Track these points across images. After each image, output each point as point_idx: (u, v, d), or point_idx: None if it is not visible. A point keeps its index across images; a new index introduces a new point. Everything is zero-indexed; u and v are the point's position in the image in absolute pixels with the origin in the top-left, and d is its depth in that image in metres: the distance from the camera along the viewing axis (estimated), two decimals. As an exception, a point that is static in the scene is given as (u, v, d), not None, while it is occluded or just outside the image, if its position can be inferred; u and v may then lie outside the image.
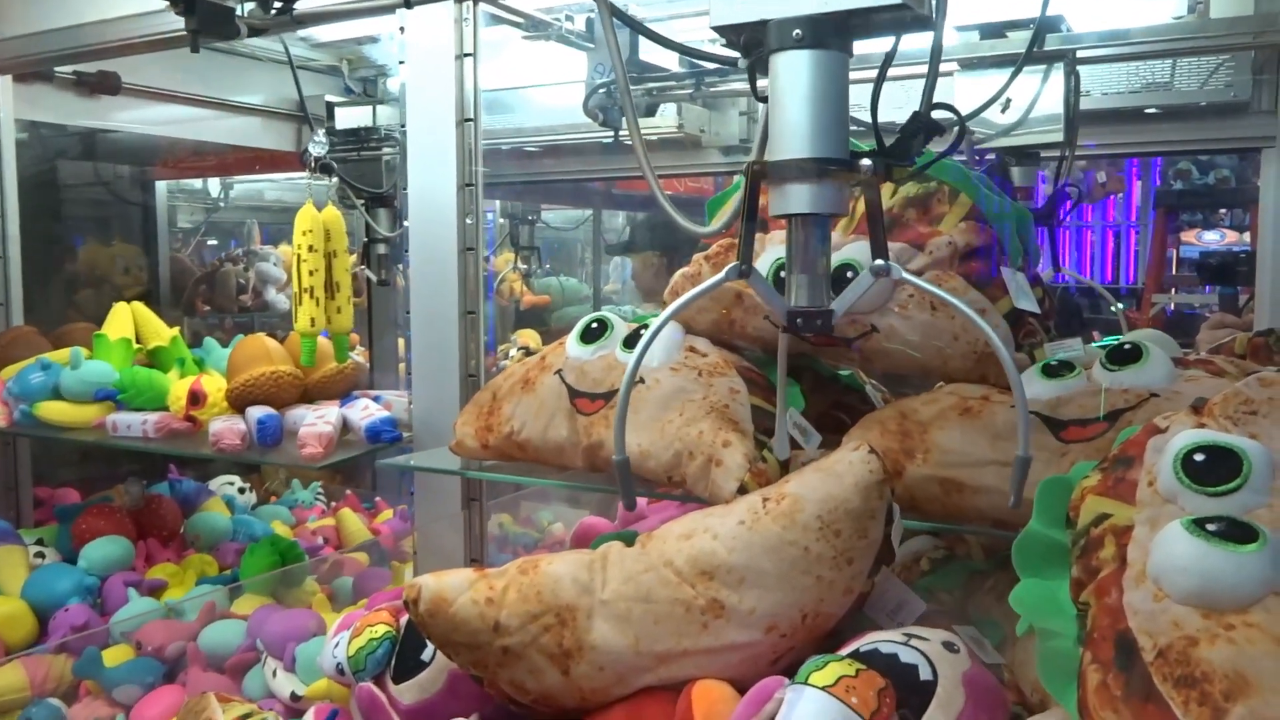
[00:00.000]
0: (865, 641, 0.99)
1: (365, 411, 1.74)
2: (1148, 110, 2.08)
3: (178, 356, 1.97)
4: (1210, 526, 0.75)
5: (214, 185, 4.49)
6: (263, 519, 2.45)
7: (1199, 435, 0.83)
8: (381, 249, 2.85)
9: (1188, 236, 6.18)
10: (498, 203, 4.55)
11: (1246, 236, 5.74)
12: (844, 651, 0.99)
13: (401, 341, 3.15)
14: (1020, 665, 1.12)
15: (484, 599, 1.06)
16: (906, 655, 0.95)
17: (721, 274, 0.93)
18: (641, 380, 1.30)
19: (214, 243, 4.54)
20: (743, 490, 1.16)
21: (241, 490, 2.70)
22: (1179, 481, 0.81)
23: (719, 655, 1.04)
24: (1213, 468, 0.80)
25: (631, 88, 1.64)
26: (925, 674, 0.93)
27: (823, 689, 0.88)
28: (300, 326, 1.78)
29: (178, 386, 1.84)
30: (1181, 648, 0.72)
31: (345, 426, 1.76)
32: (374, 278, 2.87)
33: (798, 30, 0.85)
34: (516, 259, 4.62)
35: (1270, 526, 0.75)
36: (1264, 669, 0.68)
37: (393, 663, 1.27)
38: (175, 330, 2.09)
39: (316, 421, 1.67)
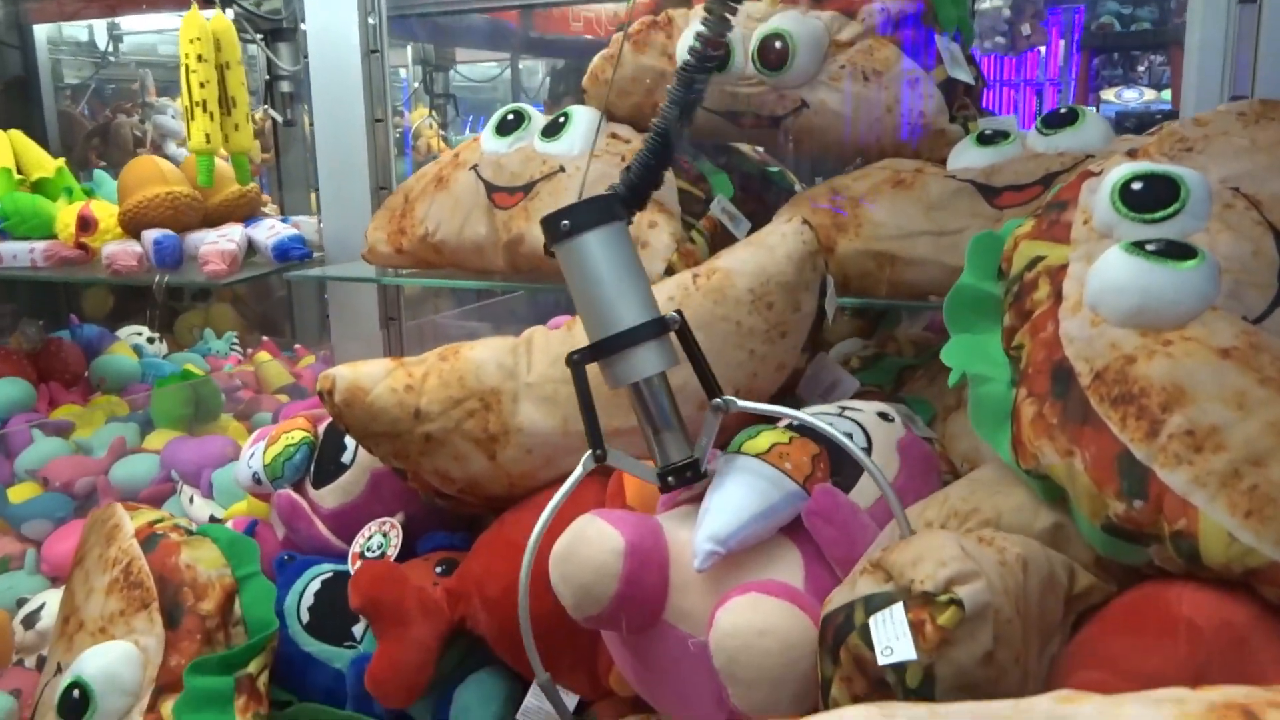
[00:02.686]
0: (799, 414, 0.97)
1: (272, 230, 1.64)
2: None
3: (64, 186, 1.83)
4: (1150, 246, 0.73)
5: (101, 37, 4.18)
6: (173, 365, 2.34)
7: (1137, 165, 0.81)
8: (285, 86, 2.68)
9: (1107, 95, 6.20)
10: (409, 49, 4.32)
11: (1165, 94, 5.78)
12: (780, 425, 0.98)
13: (314, 196, 3.00)
14: (951, 439, 1.12)
15: (403, 386, 1.02)
16: (841, 425, 0.94)
17: (578, 472, 0.85)
18: (561, 169, 1.23)
19: (105, 99, 4.26)
20: (670, 271, 1.12)
21: (151, 340, 2.57)
22: (1116, 211, 0.78)
23: (650, 432, 1.02)
24: (1149, 195, 0.78)
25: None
26: (860, 441, 0.92)
27: (755, 456, 0.86)
28: (194, 144, 1.65)
29: (66, 213, 1.71)
30: (1119, 367, 0.70)
31: (251, 248, 1.66)
32: (279, 118, 2.71)
33: (565, 221, 0.83)
34: (431, 111, 4.42)
35: (1208, 248, 0.74)
36: (1200, 379, 0.67)
37: (312, 469, 1.23)
38: (60, 160, 1.94)
39: (219, 240, 1.57)
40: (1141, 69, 6.12)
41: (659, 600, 0.83)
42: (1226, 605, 0.63)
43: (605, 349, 0.82)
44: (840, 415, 0.97)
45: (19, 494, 1.61)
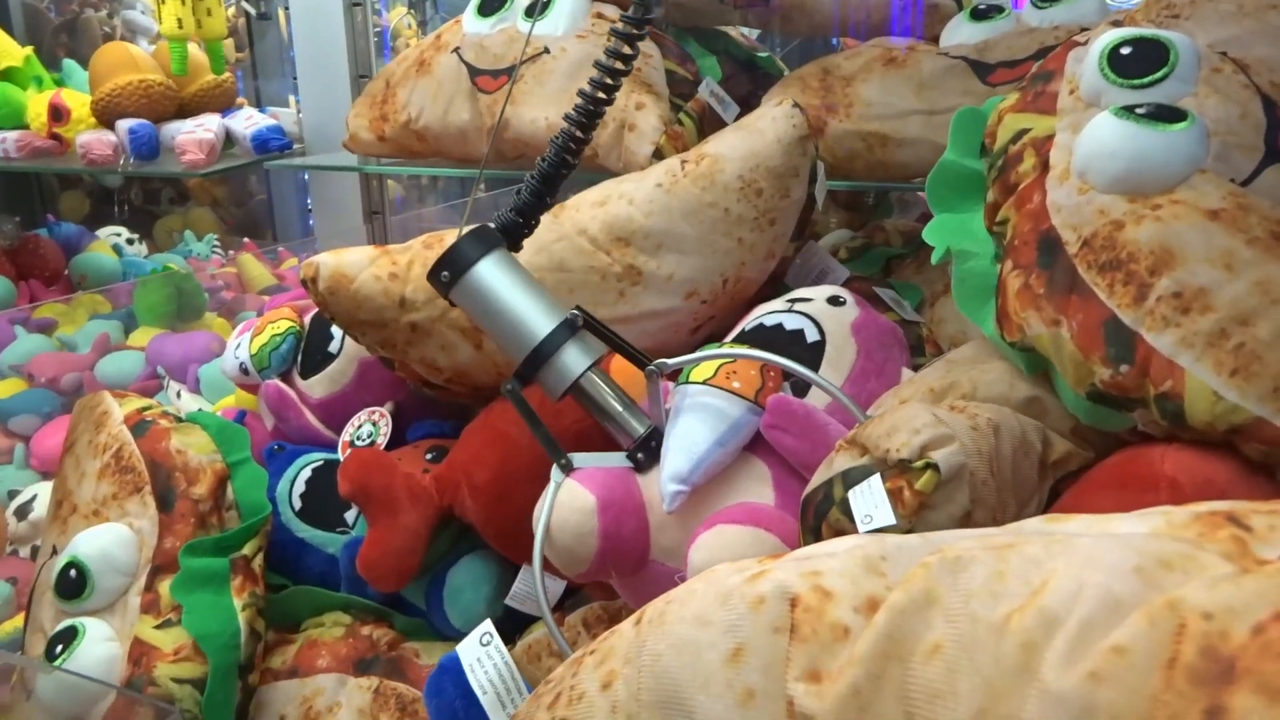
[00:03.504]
0: (750, 319, 0.96)
1: (250, 121, 1.60)
2: None
3: (33, 75, 1.77)
4: (1139, 109, 0.72)
5: (63, -74, 4.01)
6: (155, 265, 2.31)
7: (1124, 31, 0.79)
8: (260, -23, 2.60)
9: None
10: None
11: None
12: (731, 334, 0.97)
13: (291, 98, 2.93)
14: (938, 323, 1.12)
15: (387, 274, 1.01)
16: (791, 322, 0.92)
17: (550, 489, 0.84)
18: (546, 50, 1.20)
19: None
20: (659, 155, 1.10)
21: (130, 241, 2.54)
22: (1104, 77, 0.77)
23: (637, 323, 1.01)
24: (1138, 59, 0.76)
25: None
26: (812, 335, 0.91)
27: (703, 383, 0.84)
28: (166, 29, 1.60)
29: (36, 102, 1.67)
30: (1107, 233, 0.70)
31: (229, 140, 1.62)
32: (252, 10, 2.63)
33: (444, 273, 0.85)
34: (410, 10, 4.29)
35: (1197, 111, 0.73)
36: (1189, 241, 0.67)
37: (299, 359, 1.23)
38: (28, 49, 1.87)
39: (195, 129, 1.53)
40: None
41: (642, 546, 0.83)
42: (1208, 463, 0.64)
43: (531, 368, 0.85)
44: (790, 310, 0.95)
45: (4, 389, 1.61)
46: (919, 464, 0.64)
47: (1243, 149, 0.70)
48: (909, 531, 0.64)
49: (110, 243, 2.37)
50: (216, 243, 2.72)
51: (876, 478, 0.65)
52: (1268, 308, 0.62)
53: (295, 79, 1.54)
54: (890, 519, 0.65)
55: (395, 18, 4.34)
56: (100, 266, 2.11)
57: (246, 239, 2.71)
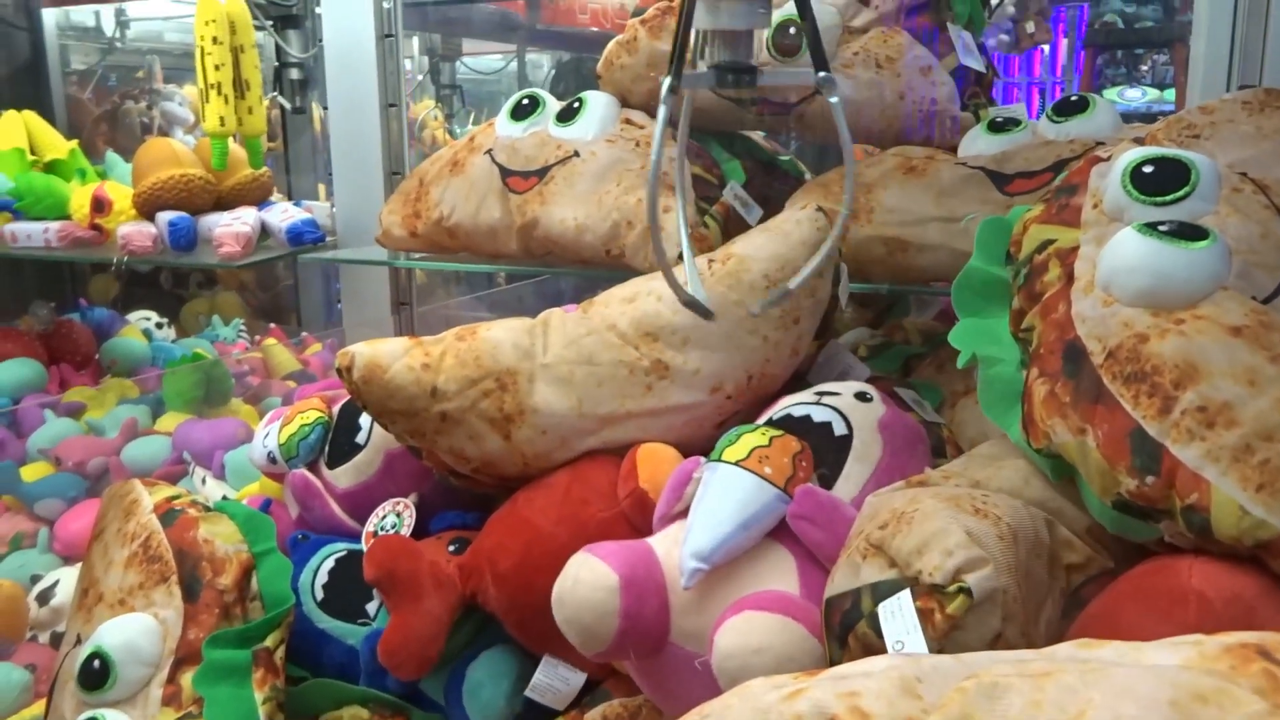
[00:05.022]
0: (778, 408, 0.98)
1: (285, 214, 1.65)
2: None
3: (78, 168, 1.84)
4: (1162, 227, 0.74)
5: (108, 23, 4.19)
6: (183, 350, 2.35)
7: (1147, 150, 0.82)
8: (295, 74, 2.69)
9: (1110, 94, 6.20)
10: (415, 40, 4.33)
11: (1169, 94, 5.78)
12: (760, 420, 0.98)
13: (322, 188, 3.01)
14: (959, 425, 1.13)
15: (420, 365, 1.03)
16: (820, 414, 0.94)
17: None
18: (576, 154, 1.25)
19: (113, 85, 4.27)
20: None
21: (159, 325, 2.58)
22: (1127, 194, 0.79)
23: (663, 417, 1.03)
24: (1160, 178, 0.79)
25: None
26: (840, 429, 0.92)
27: (736, 464, 0.86)
28: (209, 126, 1.66)
29: (80, 194, 1.72)
30: (1132, 345, 0.72)
31: (264, 231, 1.67)
32: (288, 105, 2.72)
33: None
34: (437, 104, 4.43)
35: (1218, 229, 0.75)
36: (1213, 356, 0.68)
37: (326, 449, 1.24)
38: (74, 142, 1.95)
39: (233, 222, 1.58)
40: (1145, 68, 6.14)
41: (662, 627, 0.84)
42: (1236, 578, 0.64)
43: None
44: (818, 404, 0.96)
45: (32, 473, 1.62)
46: (952, 588, 0.64)
47: (1264, 268, 0.72)
48: (939, 651, 0.64)
49: (140, 327, 2.42)
50: (243, 327, 2.77)
51: (907, 596, 0.65)
52: (1292, 424, 0.63)
53: (329, 173, 1.59)
54: (921, 645, 0.65)
55: (422, 110, 4.48)
56: (130, 351, 2.15)
57: (272, 324, 2.75)
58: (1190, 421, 0.66)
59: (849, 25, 1.18)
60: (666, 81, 0.86)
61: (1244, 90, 0.90)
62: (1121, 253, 0.75)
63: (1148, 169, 0.79)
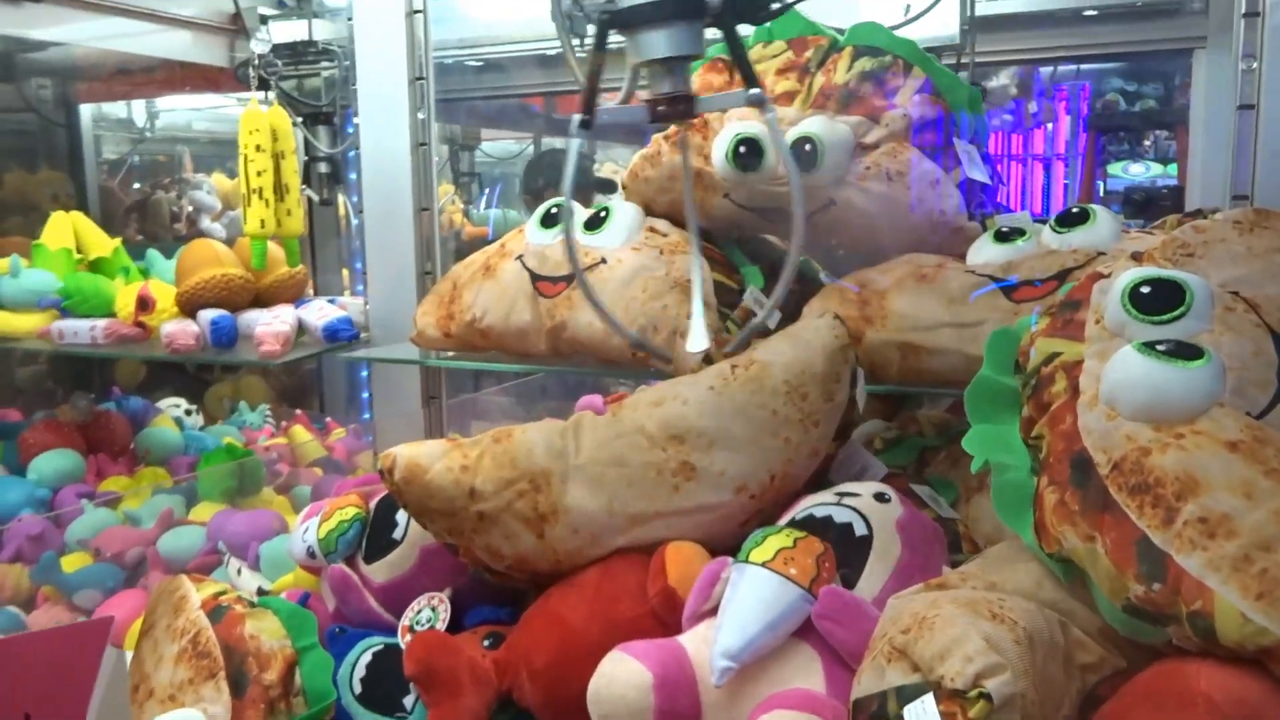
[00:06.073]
0: (800, 508, 1.03)
1: (321, 312, 1.72)
2: (1086, 12, 2.12)
3: (121, 266, 1.92)
4: (1160, 346, 0.80)
5: (140, 115, 4.34)
6: (213, 438, 2.42)
7: (1144, 270, 0.88)
8: (323, 168, 2.80)
9: (1114, 169, 6.33)
10: (435, 127, 4.46)
11: (1172, 168, 5.90)
12: (782, 520, 1.03)
13: (346, 272, 3.10)
14: (974, 521, 1.17)
15: (459, 466, 1.08)
16: (841, 515, 0.99)
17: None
18: (603, 261, 1.31)
19: (142, 174, 4.40)
20: (709, 360, 1.19)
21: (189, 412, 2.65)
22: (1127, 313, 0.85)
23: (690, 516, 1.07)
24: (1158, 298, 0.85)
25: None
26: (860, 530, 0.97)
27: (762, 565, 0.90)
28: (250, 229, 1.75)
29: (125, 293, 1.80)
30: (1135, 458, 0.77)
31: (301, 329, 1.74)
32: (315, 197, 2.82)
33: None
34: (456, 189, 4.54)
35: (1213, 348, 0.80)
36: (1211, 469, 0.73)
37: (363, 544, 1.28)
38: (117, 241, 2.04)
39: (272, 321, 1.65)
40: (1147, 144, 6.26)
41: None
42: (1241, 682, 0.68)
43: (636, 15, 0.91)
44: (839, 504, 1.01)
45: (71, 564, 1.67)
46: (973, 694, 0.68)
47: (1257, 384, 0.77)
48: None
49: (171, 415, 2.49)
50: (269, 413, 2.83)
51: (930, 700, 0.69)
52: (1287, 537, 0.67)
53: (356, 262, 1.66)
54: None
55: (442, 196, 4.60)
56: (164, 441, 2.22)
57: (298, 410, 2.82)
58: (1192, 532, 0.71)
59: (861, 141, 1.25)
60: (576, 119, 0.93)
61: (1235, 210, 0.96)
62: (1123, 370, 0.80)
63: (1145, 289, 0.85)
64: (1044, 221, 1.29)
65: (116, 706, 0.79)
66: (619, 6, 0.94)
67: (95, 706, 0.75)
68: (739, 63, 0.98)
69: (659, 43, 0.93)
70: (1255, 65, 1.31)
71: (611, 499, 1.07)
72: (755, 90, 0.97)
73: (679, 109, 0.96)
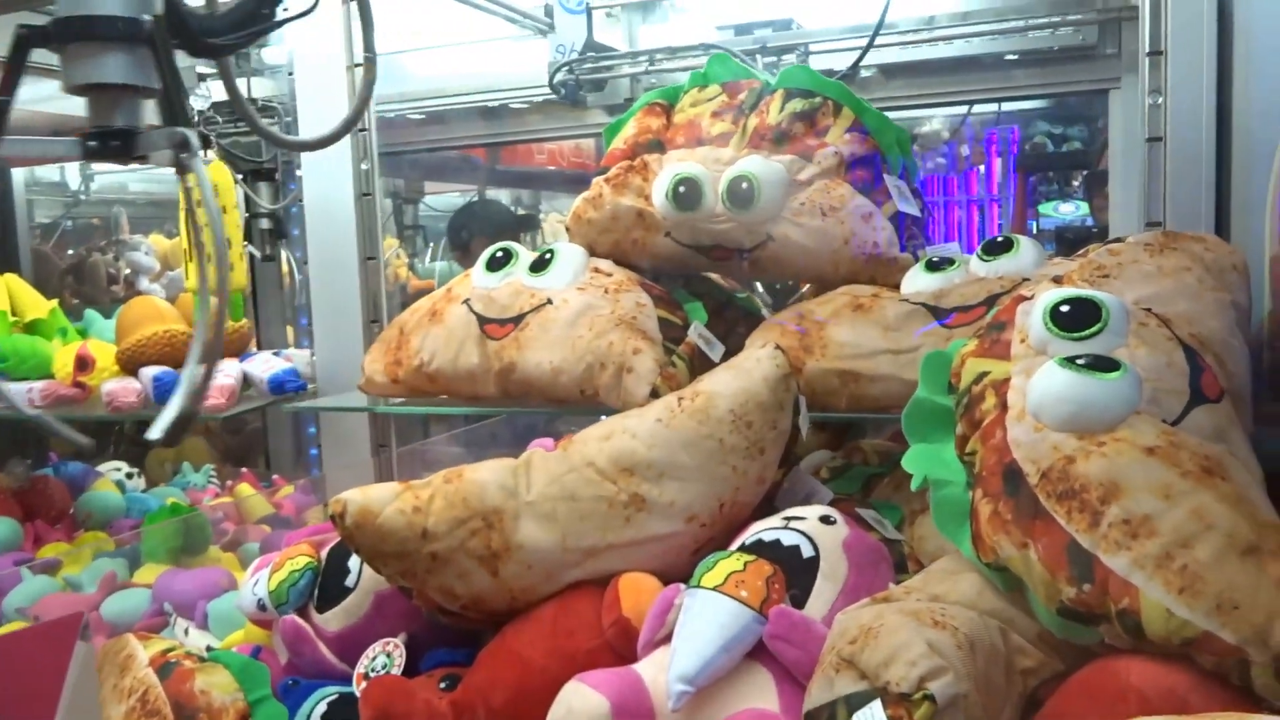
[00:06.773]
0: (749, 534, 1.05)
1: (267, 364, 1.72)
2: (1008, 56, 2.21)
3: (59, 327, 1.90)
4: (1080, 361, 0.84)
5: (74, 178, 4.29)
6: (157, 499, 2.37)
7: (1064, 291, 0.93)
8: (265, 223, 2.79)
9: (1045, 209, 6.56)
10: (379, 181, 4.47)
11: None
12: (733, 546, 1.05)
13: (290, 330, 3.08)
14: (919, 540, 1.20)
15: (410, 508, 1.08)
16: (788, 539, 1.01)
17: None
18: (549, 301, 1.34)
19: (78, 237, 4.35)
20: (655, 394, 1.21)
21: (130, 475, 2.60)
22: (1049, 331, 0.90)
23: (643, 547, 1.09)
24: (1077, 317, 0.89)
25: (586, 66, 1.75)
26: (808, 551, 1.00)
27: (714, 589, 0.93)
28: (192, 284, 1.74)
29: (63, 353, 1.78)
30: (1061, 467, 0.80)
31: (246, 382, 1.73)
32: (258, 253, 2.81)
33: None
34: (400, 243, 4.55)
35: (1129, 360, 0.85)
36: (1131, 474, 0.77)
37: (315, 594, 1.27)
38: (54, 302, 2.01)
39: (216, 374, 1.64)
40: (1076, 183, 6.51)
41: None
42: (1169, 674, 0.71)
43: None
44: (786, 528, 1.03)
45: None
46: (917, 696, 0.71)
47: (1171, 393, 0.82)
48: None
49: (113, 479, 2.43)
50: (213, 473, 2.78)
51: (878, 706, 0.72)
52: (1203, 532, 0.72)
53: (300, 318, 1.66)
54: None
55: (386, 249, 4.59)
56: (106, 504, 2.17)
57: (244, 469, 2.78)
58: (1117, 533, 0.75)
59: (796, 178, 1.30)
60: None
61: (1146, 233, 1.02)
62: (1047, 384, 0.84)
63: (1065, 308, 0.90)
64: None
65: (85, 700, 0.78)
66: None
67: (65, 700, 0.73)
68: (171, 93, 0.88)
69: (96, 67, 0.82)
70: (1160, 100, 1.39)
71: (564, 533, 1.08)
72: (180, 129, 0.88)
73: (110, 144, 0.85)
